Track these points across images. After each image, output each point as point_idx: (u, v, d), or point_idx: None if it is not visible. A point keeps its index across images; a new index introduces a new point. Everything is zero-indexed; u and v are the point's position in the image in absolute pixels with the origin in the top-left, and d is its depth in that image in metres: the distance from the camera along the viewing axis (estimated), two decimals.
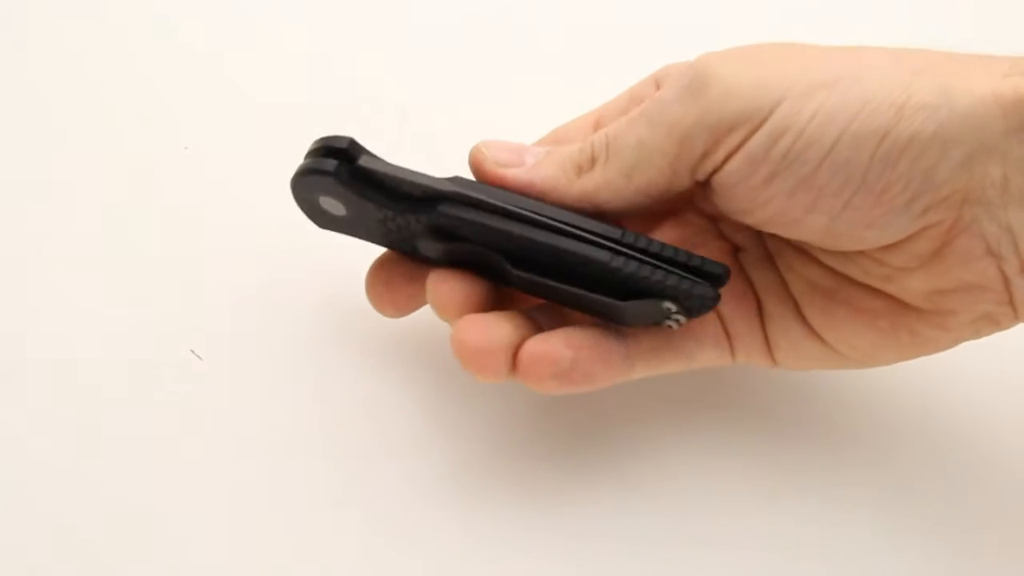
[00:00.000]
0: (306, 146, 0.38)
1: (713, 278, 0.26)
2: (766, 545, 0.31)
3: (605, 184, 0.26)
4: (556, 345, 0.27)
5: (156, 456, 0.32)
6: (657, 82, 0.30)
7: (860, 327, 0.27)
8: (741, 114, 0.24)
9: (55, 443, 0.32)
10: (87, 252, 0.36)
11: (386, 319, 0.31)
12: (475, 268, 0.28)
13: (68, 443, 0.32)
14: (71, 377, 0.33)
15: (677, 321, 0.27)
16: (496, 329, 0.27)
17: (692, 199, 0.30)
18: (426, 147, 0.32)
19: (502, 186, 0.27)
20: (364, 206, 0.28)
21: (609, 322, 0.28)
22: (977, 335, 0.26)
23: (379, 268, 0.30)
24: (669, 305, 0.26)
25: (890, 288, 0.26)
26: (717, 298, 0.26)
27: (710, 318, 0.28)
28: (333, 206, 0.29)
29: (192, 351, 0.34)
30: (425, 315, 0.31)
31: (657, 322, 0.27)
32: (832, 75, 0.23)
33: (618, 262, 0.26)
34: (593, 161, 0.26)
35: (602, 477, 0.32)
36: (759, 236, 0.29)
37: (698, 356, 0.29)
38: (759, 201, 0.25)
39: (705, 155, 0.24)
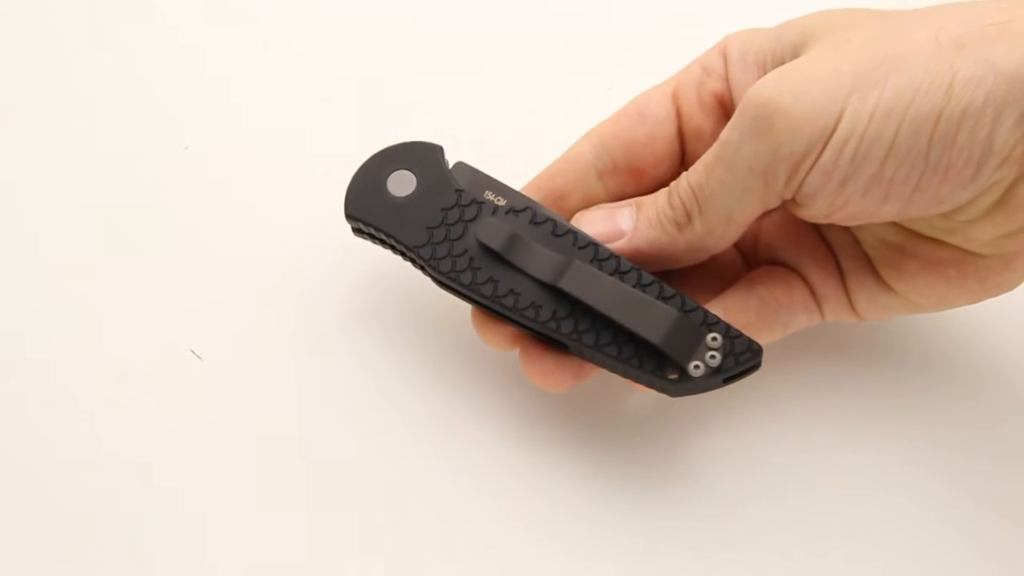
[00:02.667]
0: (305, 145, 0.38)
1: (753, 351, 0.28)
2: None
3: (708, 232, 0.28)
4: None
5: (155, 456, 0.32)
6: (724, 54, 0.30)
7: (930, 278, 0.28)
8: (810, 139, 0.25)
9: (54, 443, 0.32)
10: (87, 252, 0.36)
11: (384, 319, 0.31)
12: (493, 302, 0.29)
13: (67, 443, 0.32)
14: (71, 377, 0.33)
15: (708, 361, 0.27)
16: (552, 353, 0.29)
17: None
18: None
19: None
20: (441, 190, 0.30)
21: (625, 366, 0.28)
22: None
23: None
24: (715, 336, 0.27)
25: (955, 239, 0.27)
26: (760, 352, 0.27)
27: (798, 285, 0.30)
28: (403, 184, 0.30)
29: (192, 351, 0.34)
30: (429, 318, 0.32)
31: (684, 359, 0.27)
32: (881, 71, 0.24)
33: (676, 301, 0.28)
34: (688, 215, 0.28)
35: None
36: None
37: (792, 323, 0.30)
38: (836, 205, 0.26)
39: (788, 181, 0.26)
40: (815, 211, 0.26)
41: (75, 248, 0.36)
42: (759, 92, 0.25)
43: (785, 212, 0.30)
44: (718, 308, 0.29)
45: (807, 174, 0.25)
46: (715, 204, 0.27)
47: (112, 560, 0.31)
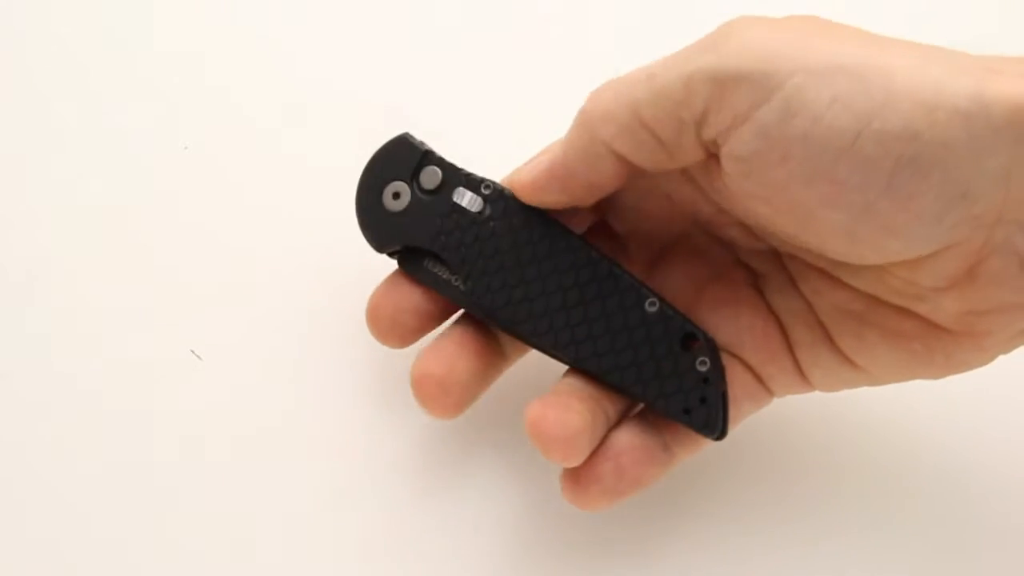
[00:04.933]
0: (305, 145, 0.38)
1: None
2: None
3: (607, 116, 0.25)
4: (596, 461, 0.27)
5: (156, 456, 0.32)
6: None
7: (893, 351, 0.26)
8: (750, 74, 0.22)
9: (54, 443, 0.32)
10: (86, 252, 0.36)
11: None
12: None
13: (67, 443, 0.32)
14: (70, 377, 0.34)
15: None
16: (574, 417, 0.26)
17: (707, 223, 0.29)
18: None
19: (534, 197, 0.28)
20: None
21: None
22: (1011, 349, 0.25)
23: (386, 293, 0.29)
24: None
25: (922, 309, 0.25)
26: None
27: (738, 371, 0.28)
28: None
29: (192, 351, 0.34)
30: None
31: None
32: (857, 61, 0.22)
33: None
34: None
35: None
36: (779, 260, 0.28)
37: (737, 417, 0.28)
38: (774, 183, 0.23)
39: (708, 110, 0.23)
40: (747, 185, 0.24)
41: (74, 248, 0.36)
42: (736, 19, 0.24)
43: (726, 287, 0.29)
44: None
45: (738, 122, 0.23)
46: (633, 88, 0.24)
47: (110, 559, 0.31)
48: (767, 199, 0.24)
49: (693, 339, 0.27)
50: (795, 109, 0.22)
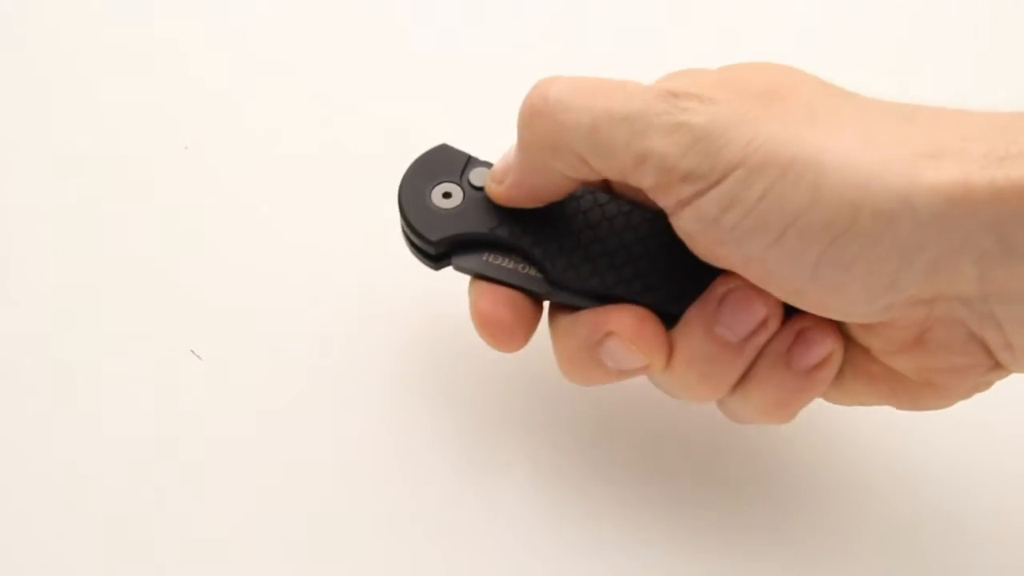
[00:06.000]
0: (304, 146, 0.38)
1: None
2: None
3: (555, 149, 0.25)
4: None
5: (155, 456, 0.32)
6: None
7: (864, 387, 0.27)
8: (695, 170, 0.23)
9: (55, 443, 0.32)
10: (87, 252, 0.36)
11: (380, 318, 0.31)
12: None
13: (68, 443, 0.32)
14: (70, 377, 0.34)
15: None
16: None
17: None
18: (426, 148, 0.33)
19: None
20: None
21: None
22: (972, 395, 0.26)
23: (484, 297, 0.29)
24: None
25: (882, 358, 0.25)
26: None
27: None
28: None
29: (192, 351, 0.34)
30: (434, 319, 0.31)
31: None
32: (790, 154, 0.22)
33: None
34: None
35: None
36: None
37: None
38: (719, 256, 0.24)
39: (655, 188, 0.24)
40: (697, 250, 0.25)
41: (75, 248, 0.36)
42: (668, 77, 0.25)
43: None
44: None
45: (682, 205, 0.24)
46: (580, 125, 0.25)
47: (109, 558, 0.31)
48: (717, 261, 0.25)
49: None
50: (728, 202, 0.23)
